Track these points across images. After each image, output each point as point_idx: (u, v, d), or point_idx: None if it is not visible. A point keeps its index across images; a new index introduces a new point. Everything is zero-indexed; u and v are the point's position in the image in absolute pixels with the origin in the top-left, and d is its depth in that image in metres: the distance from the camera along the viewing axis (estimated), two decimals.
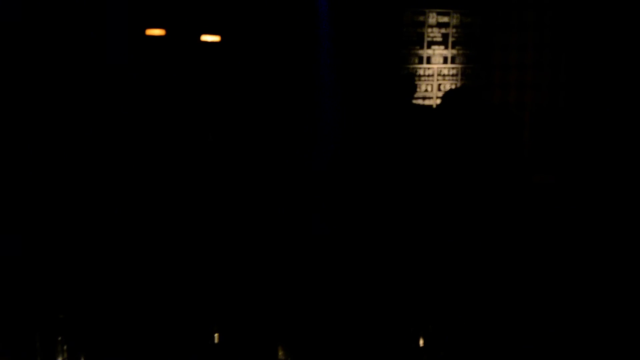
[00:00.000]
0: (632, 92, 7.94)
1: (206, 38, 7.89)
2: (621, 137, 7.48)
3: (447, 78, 9.06)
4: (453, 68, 9.14)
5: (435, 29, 9.07)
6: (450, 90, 8.15)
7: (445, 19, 9.09)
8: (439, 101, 8.83)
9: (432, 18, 9.04)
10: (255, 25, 8.07)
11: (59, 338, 3.00)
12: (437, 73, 9.06)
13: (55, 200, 6.13)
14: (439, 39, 9.11)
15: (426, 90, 9.04)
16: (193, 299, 3.97)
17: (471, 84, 9.02)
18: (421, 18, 9.01)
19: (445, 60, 9.13)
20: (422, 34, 9.02)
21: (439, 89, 8.94)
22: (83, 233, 5.56)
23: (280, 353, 3.32)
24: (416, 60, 9.02)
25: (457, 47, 9.16)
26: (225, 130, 7.54)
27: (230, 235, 5.97)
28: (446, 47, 9.14)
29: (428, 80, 9.04)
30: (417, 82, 8.64)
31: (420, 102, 8.90)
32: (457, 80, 9.11)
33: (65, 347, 3.02)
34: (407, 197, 6.00)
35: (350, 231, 5.95)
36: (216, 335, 3.48)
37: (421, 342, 3.42)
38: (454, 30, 9.15)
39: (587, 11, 8.50)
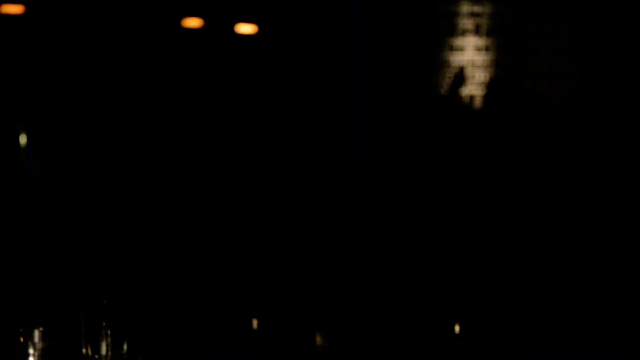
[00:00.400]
0: None
1: (242, 29, 7.89)
2: None
3: (479, 68, 9.05)
4: (486, 57, 9.13)
5: (468, 19, 9.06)
6: (490, 80, 8.13)
7: (478, 9, 9.08)
8: (471, 90, 8.85)
9: (465, 7, 9.03)
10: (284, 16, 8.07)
11: (103, 323, 3.05)
12: (469, 63, 9.06)
13: (98, 192, 6.16)
14: (471, 28, 9.10)
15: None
16: (232, 285, 4.00)
17: (504, 74, 9.01)
18: (454, 7, 9.01)
19: (477, 50, 9.12)
20: (455, 24, 9.02)
21: (472, 78, 8.93)
22: (125, 221, 5.60)
23: (318, 338, 3.34)
24: (449, 51, 9.02)
25: (490, 37, 9.15)
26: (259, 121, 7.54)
27: (267, 221, 5.98)
28: (479, 37, 9.14)
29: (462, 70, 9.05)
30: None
31: (451, 91, 8.91)
32: (489, 69, 9.11)
33: (109, 332, 3.06)
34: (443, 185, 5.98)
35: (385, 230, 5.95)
36: (255, 321, 3.51)
37: (457, 329, 3.43)
38: (487, 19, 9.13)
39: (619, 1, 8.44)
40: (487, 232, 5.67)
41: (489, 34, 9.07)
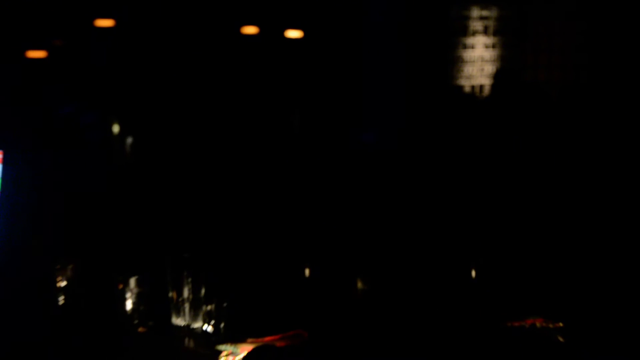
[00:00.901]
0: None
1: (290, 34, 7.84)
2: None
3: (488, 62, 9.04)
4: (493, 53, 9.12)
5: (477, 21, 9.06)
6: (497, 72, 8.10)
7: (486, 12, 9.07)
8: (480, 80, 8.84)
9: (474, 12, 9.02)
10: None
11: (185, 273, 3.13)
12: (479, 58, 9.05)
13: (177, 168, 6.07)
14: (481, 29, 9.10)
15: (471, 72, 9.04)
16: (290, 240, 4.03)
17: (509, 67, 8.99)
18: (466, 12, 9.00)
19: (486, 47, 9.11)
20: (467, 25, 9.01)
21: (482, 70, 8.92)
22: (192, 193, 5.51)
23: (359, 284, 3.37)
24: (462, 49, 9.02)
25: (495, 36, 9.15)
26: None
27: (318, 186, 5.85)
28: (487, 36, 9.13)
29: (472, 64, 9.04)
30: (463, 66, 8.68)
31: (465, 82, 8.91)
32: (496, 63, 9.09)
33: (190, 280, 3.15)
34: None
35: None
36: (307, 270, 3.57)
37: (473, 274, 3.40)
38: (494, 21, 9.12)
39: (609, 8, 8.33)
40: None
41: (495, 33, 9.05)
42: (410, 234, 4.52)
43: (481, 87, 8.81)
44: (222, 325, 3.06)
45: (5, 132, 3.70)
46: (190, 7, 7.47)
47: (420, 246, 4.01)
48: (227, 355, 2.79)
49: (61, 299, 3.45)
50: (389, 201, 5.57)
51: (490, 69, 8.96)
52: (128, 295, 3.22)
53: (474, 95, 8.58)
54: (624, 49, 8.22)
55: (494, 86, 7.32)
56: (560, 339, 2.77)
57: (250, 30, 7.95)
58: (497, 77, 7.48)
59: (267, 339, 2.81)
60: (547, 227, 5.05)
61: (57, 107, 6.90)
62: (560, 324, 2.83)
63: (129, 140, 6.85)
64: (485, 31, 9.17)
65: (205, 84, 7.26)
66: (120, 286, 3.22)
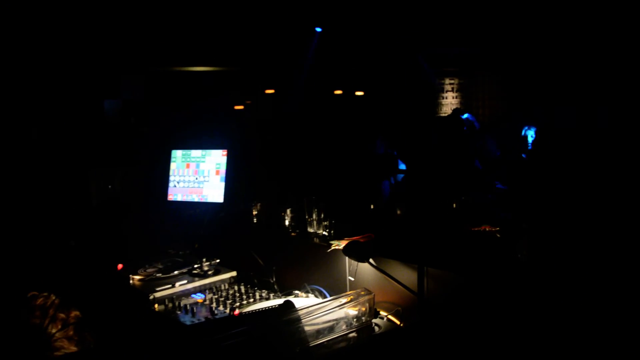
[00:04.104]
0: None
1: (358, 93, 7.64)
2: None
3: (454, 105, 8.93)
4: (456, 100, 8.96)
5: (448, 85, 8.93)
6: (457, 109, 7.90)
7: (452, 81, 8.96)
8: (447, 112, 8.64)
9: (447, 81, 8.91)
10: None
11: (313, 206, 3.08)
12: (449, 103, 8.92)
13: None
14: (450, 89, 8.94)
15: (445, 110, 8.93)
16: (363, 193, 3.83)
17: (463, 106, 8.83)
18: (442, 81, 8.89)
19: (452, 97, 8.97)
20: (443, 87, 8.87)
21: (450, 108, 8.78)
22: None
23: (397, 211, 3.21)
24: (441, 98, 8.90)
25: (457, 92, 8.98)
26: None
27: None
28: (453, 92, 8.97)
29: (446, 105, 8.93)
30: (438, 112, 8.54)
31: (442, 114, 8.77)
32: (457, 105, 8.95)
33: (315, 210, 3.11)
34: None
35: None
36: (372, 205, 3.42)
37: (454, 205, 3.21)
38: (456, 85, 8.99)
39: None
40: None
41: (457, 90, 8.88)
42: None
43: (448, 114, 8.66)
44: (332, 231, 3.05)
45: (228, 142, 3.73)
46: (308, 80, 7.38)
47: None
48: (335, 245, 2.79)
49: (254, 220, 3.51)
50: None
51: (454, 107, 8.85)
52: (286, 217, 3.26)
53: (447, 121, 8.38)
54: (521, 99, 7.83)
55: (455, 116, 7.12)
56: (498, 235, 2.69)
57: (338, 91, 7.87)
58: (457, 112, 7.29)
59: (354, 238, 2.79)
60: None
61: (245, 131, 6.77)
62: (498, 229, 2.74)
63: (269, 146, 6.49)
64: (452, 90, 9.03)
65: (317, 117, 7.05)
66: (283, 213, 3.26)
